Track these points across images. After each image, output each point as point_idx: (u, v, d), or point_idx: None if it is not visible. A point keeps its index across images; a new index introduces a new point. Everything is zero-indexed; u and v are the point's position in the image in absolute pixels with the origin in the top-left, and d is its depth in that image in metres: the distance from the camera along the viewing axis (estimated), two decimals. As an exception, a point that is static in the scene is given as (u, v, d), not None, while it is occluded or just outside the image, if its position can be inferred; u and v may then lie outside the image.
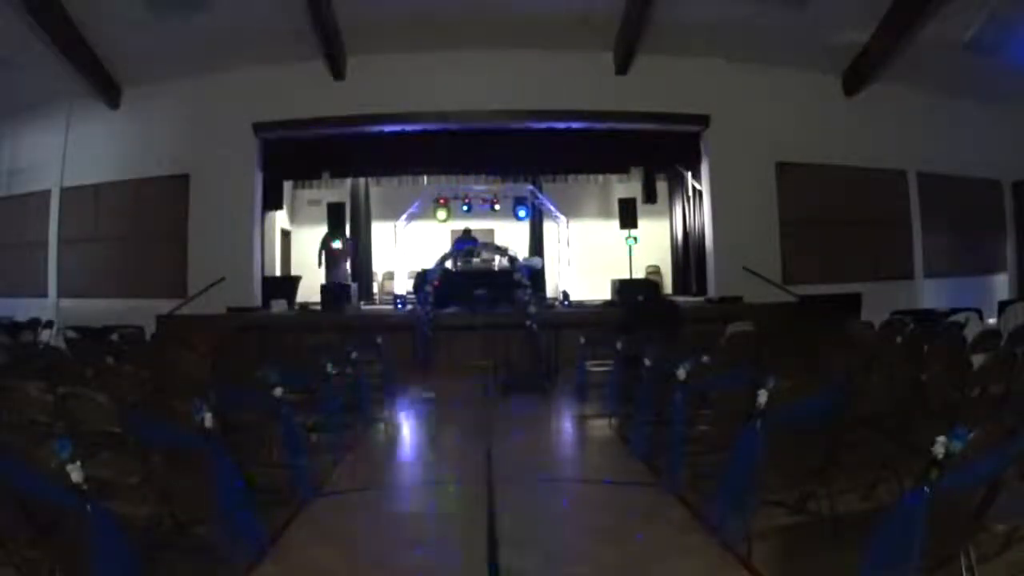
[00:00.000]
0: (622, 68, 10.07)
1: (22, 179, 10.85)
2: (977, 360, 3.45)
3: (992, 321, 8.17)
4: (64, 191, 10.57)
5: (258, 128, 10.13)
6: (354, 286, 10.81)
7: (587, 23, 9.34)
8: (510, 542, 3.06)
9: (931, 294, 10.29)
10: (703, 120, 10.22)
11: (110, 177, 10.37)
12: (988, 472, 2.20)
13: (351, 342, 5.84)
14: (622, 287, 10.35)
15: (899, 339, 5.34)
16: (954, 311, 7.52)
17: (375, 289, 13.79)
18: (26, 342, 7.78)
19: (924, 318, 7.23)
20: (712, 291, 10.23)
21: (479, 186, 13.02)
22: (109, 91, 10.23)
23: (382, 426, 5.74)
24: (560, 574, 2.83)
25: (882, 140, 10.39)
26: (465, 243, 11.54)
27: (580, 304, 10.50)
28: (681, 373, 3.63)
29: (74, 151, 10.56)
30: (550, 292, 12.72)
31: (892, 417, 3.00)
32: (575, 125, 10.37)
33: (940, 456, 1.95)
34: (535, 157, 11.19)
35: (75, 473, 2.03)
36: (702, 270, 10.91)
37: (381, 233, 13.88)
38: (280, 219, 12.93)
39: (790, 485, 3.23)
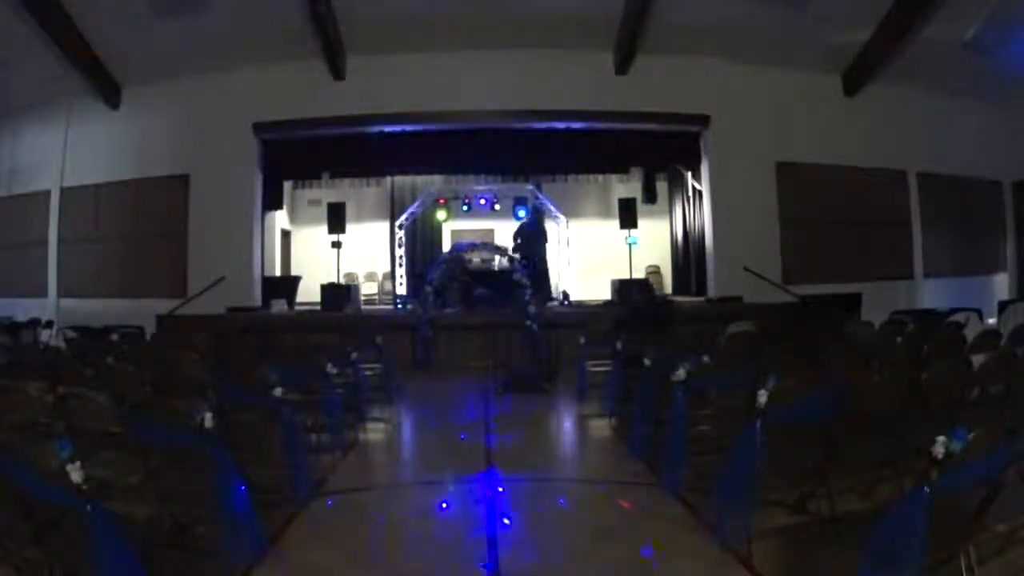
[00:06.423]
0: (622, 68, 10.08)
1: (22, 179, 10.86)
2: (977, 360, 3.44)
3: (992, 321, 8.18)
4: (64, 191, 10.58)
5: (258, 128, 10.14)
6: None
7: (587, 23, 9.34)
8: (510, 542, 3.06)
9: (931, 294, 10.29)
10: (703, 120, 10.22)
11: (110, 177, 10.38)
12: (988, 472, 2.20)
13: (351, 342, 5.84)
14: (621, 287, 10.35)
15: (899, 339, 5.34)
16: (954, 311, 7.52)
17: (376, 289, 13.81)
18: (26, 342, 7.78)
19: (924, 318, 7.22)
20: (712, 291, 10.23)
21: (479, 186, 13.02)
22: (109, 91, 10.23)
23: (382, 426, 5.74)
24: (560, 574, 2.83)
25: (882, 140, 10.39)
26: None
27: (580, 304, 10.50)
28: (681, 373, 3.63)
29: (74, 151, 10.57)
30: (554, 292, 12.71)
31: (892, 417, 3.00)
32: (575, 125, 10.38)
33: (940, 456, 1.95)
34: (535, 157, 11.19)
35: (75, 473, 2.03)
36: (702, 270, 10.90)
37: (377, 233, 13.93)
38: (280, 219, 12.93)
39: (790, 485, 3.24)
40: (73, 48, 9.16)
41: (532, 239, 11.54)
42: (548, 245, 12.21)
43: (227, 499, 2.69)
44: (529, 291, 8.78)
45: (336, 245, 11.12)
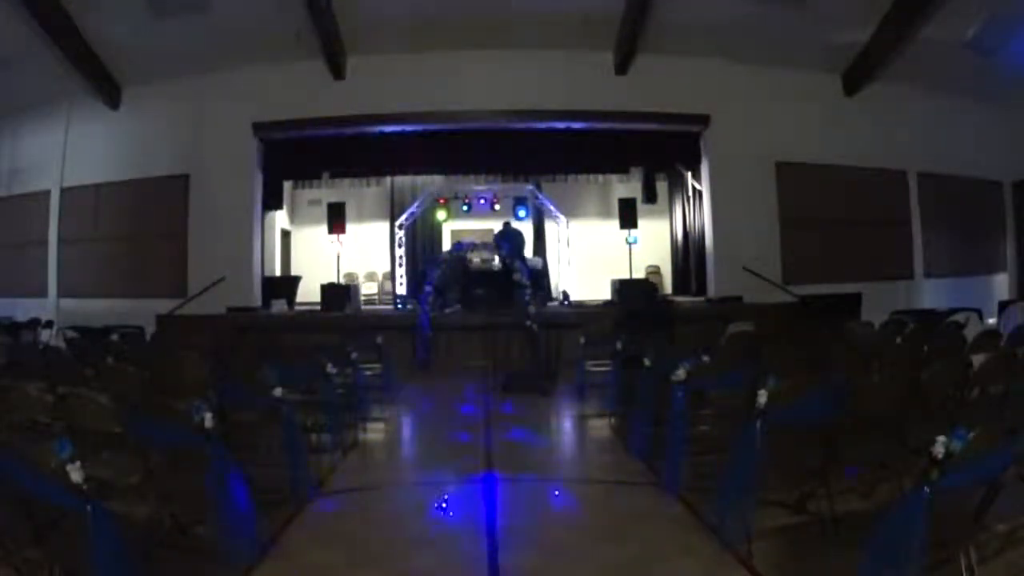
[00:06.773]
0: (622, 68, 10.07)
1: (22, 179, 10.85)
2: (977, 360, 3.44)
3: (992, 321, 8.17)
4: (64, 191, 10.58)
5: (258, 128, 10.13)
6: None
7: (587, 23, 9.34)
8: (510, 542, 3.06)
9: (931, 294, 10.29)
10: (703, 120, 10.22)
11: (110, 177, 10.38)
12: (988, 472, 2.20)
13: (351, 342, 5.84)
14: (622, 287, 10.35)
15: (899, 339, 5.34)
16: (954, 311, 7.52)
17: (376, 289, 13.82)
18: (26, 342, 7.78)
19: (924, 318, 7.22)
20: (712, 291, 10.22)
21: (479, 186, 13.02)
22: (109, 91, 10.23)
23: (382, 426, 5.74)
24: (560, 574, 2.83)
25: (882, 140, 10.37)
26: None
27: (580, 304, 10.50)
28: (681, 373, 3.63)
29: (74, 151, 10.57)
30: (553, 293, 12.70)
31: (892, 417, 3.00)
32: (575, 125, 10.37)
33: (940, 456, 1.95)
34: (535, 157, 11.19)
35: (75, 473, 2.03)
36: (702, 270, 10.90)
37: (377, 233, 13.96)
38: (280, 219, 12.92)
39: (790, 485, 3.24)
40: (73, 48, 9.15)
41: (510, 242, 11.55)
42: (524, 247, 12.21)
43: (227, 499, 2.69)
44: (529, 291, 8.78)
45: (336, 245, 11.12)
